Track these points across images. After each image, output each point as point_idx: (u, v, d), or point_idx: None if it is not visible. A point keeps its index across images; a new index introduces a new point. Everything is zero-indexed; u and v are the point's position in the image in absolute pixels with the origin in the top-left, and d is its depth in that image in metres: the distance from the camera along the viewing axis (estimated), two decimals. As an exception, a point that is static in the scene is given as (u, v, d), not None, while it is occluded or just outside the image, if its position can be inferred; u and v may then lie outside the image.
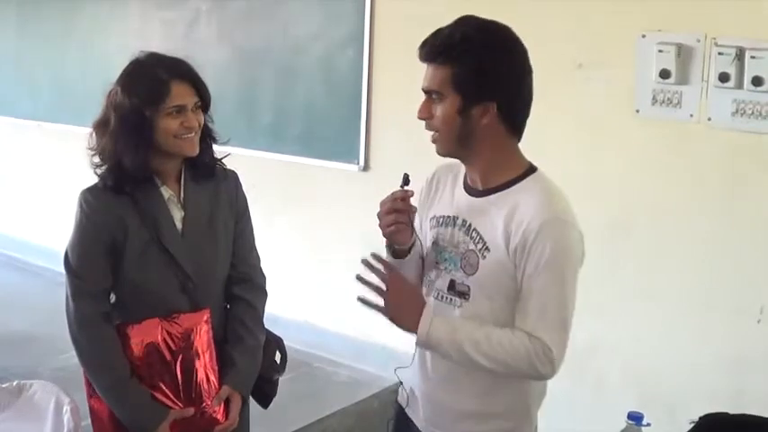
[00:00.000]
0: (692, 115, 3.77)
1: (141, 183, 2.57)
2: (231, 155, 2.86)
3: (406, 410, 2.53)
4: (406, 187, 2.29)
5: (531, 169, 2.32)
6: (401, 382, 2.55)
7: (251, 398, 2.84)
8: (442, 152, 2.30)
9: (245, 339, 2.74)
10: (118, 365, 2.58)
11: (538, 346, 2.17)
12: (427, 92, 2.24)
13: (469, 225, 2.29)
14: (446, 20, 2.29)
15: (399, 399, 2.57)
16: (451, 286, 2.31)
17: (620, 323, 4.10)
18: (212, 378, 2.65)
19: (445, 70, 2.19)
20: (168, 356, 2.60)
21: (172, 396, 2.62)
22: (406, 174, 2.31)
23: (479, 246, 2.25)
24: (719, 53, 3.63)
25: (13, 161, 7.33)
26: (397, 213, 2.28)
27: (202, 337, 2.63)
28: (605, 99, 4.03)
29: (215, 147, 2.74)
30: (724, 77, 3.62)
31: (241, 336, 2.74)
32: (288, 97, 5.42)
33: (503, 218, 2.22)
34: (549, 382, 4.18)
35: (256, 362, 2.78)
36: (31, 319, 5.48)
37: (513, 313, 2.23)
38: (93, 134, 2.60)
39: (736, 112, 3.64)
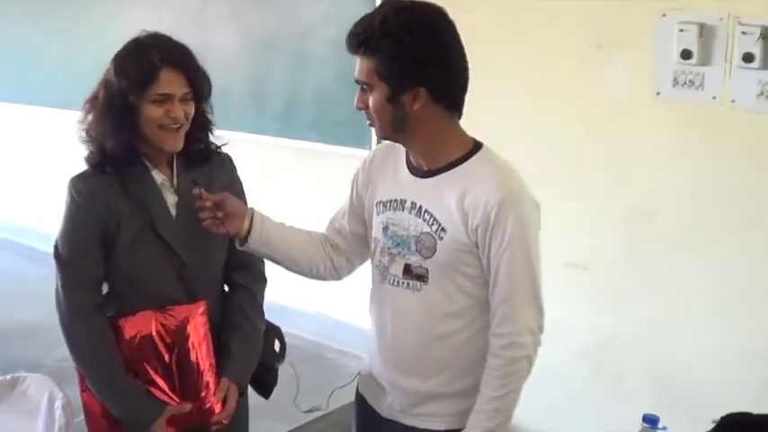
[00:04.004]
0: (714, 97, 3.64)
1: (129, 165, 2.48)
2: (231, 142, 2.80)
3: (368, 400, 2.55)
4: (195, 189, 2.40)
5: (477, 146, 2.30)
6: (359, 374, 2.59)
7: (252, 388, 2.79)
8: (381, 137, 2.33)
9: (243, 327, 2.67)
10: (112, 360, 2.50)
11: (514, 351, 2.24)
12: (358, 83, 2.24)
13: (420, 207, 2.28)
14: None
15: (360, 390, 2.59)
16: (407, 270, 2.32)
17: (639, 315, 3.98)
18: (209, 372, 2.56)
19: (368, 61, 2.19)
20: (163, 350, 2.51)
21: (168, 390, 2.54)
22: (193, 180, 2.45)
23: (434, 227, 2.25)
24: (743, 32, 3.49)
25: (23, 148, 7.31)
26: (201, 211, 2.42)
27: (198, 330, 2.55)
28: (625, 81, 3.91)
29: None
30: (748, 58, 3.49)
31: (239, 323, 2.67)
32: (299, 82, 5.34)
33: (455, 197, 2.22)
34: (564, 378, 4.16)
35: (255, 350, 2.71)
36: (36, 309, 5.36)
37: (474, 291, 2.28)
38: (83, 109, 2.52)
39: (761, 93, 3.51)
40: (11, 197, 7.50)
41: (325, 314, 5.31)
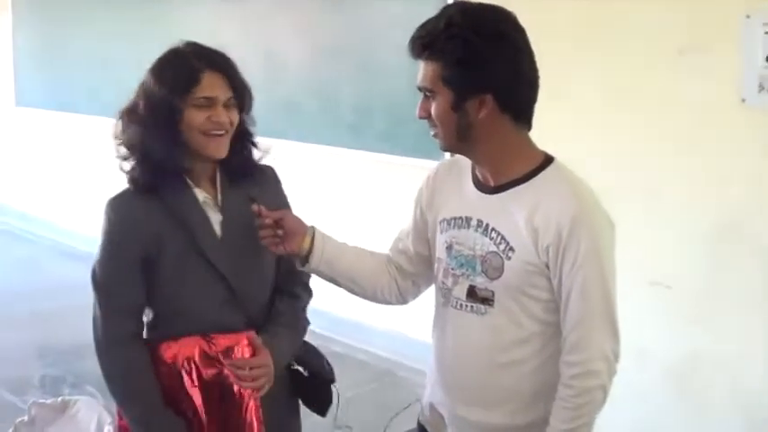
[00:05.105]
0: (804, 104, 3.46)
1: (171, 181, 2.36)
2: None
3: (429, 431, 2.42)
4: (253, 206, 2.34)
5: (548, 160, 2.19)
6: (417, 401, 2.49)
7: (307, 408, 2.66)
8: (445, 149, 2.23)
9: (280, 319, 2.52)
10: (149, 395, 2.37)
11: (586, 380, 2.09)
12: (421, 90, 2.14)
13: (487, 225, 2.17)
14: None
15: (421, 419, 2.45)
16: (471, 293, 2.20)
17: (726, 335, 3.80)
18: (254, 412, 2.42)
19: (433, 66, 2.09)
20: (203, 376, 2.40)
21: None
22: (250, 197, 2.37)
23: (502, 246, 2.14)
24: (833, 33, 3.33)
25: (99, 159, 7.37)
26: (261, 229, 2.35)
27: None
28: (708, 88, 3.74)
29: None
30: (839, 60, 3.31)
31: (276, 317, 2.52)
32: (370, 91, 5.28)
33: (524, 215, 2.11)
34: (648, 399, 3.99)
35: (294, 338, 2.56)
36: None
37: (543, 315, 2.16)
38: (120, 122, 2.40)
39: None
40: (88, 208, 7.61)
41: (398, 331, 5.16)
